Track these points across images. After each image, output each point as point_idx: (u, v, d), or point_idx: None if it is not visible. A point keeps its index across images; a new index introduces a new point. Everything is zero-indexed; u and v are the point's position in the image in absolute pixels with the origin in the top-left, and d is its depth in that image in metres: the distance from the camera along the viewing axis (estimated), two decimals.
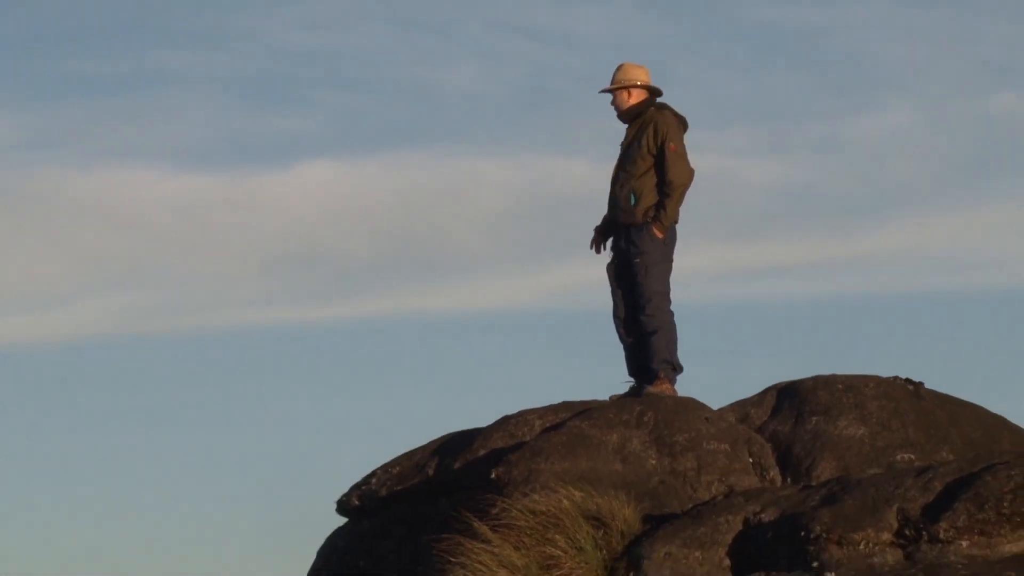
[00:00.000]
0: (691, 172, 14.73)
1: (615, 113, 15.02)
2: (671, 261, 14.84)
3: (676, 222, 14.79)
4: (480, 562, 11.80)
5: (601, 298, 15.17)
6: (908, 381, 14.15)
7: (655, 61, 15.22)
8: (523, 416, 14.19)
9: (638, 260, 14.69)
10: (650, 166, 14.70)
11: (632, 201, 14.72)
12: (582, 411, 13.97)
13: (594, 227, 15.15)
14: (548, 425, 13.85)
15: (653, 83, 15.01)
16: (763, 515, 11.87)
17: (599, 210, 15.09)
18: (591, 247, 15.22)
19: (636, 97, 14.89)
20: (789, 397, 14.04)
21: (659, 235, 14.64)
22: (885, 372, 14.23)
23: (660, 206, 14.63)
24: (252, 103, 48.51)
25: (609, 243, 15.04)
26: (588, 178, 14.97)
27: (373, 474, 14.65)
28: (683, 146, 14.74)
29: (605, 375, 15.29)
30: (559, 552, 11.86)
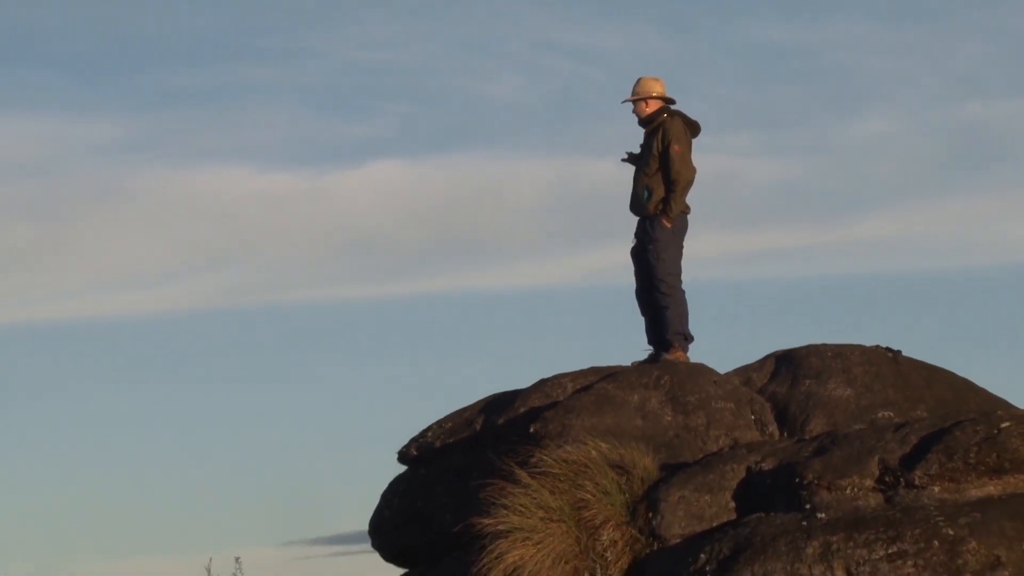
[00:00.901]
0: (692, 171, 14.75)
1: (635, 116, 15.06)
2: (681, 247, 14.86)
3: (687, 213, 14.83)
4: (520, 504, 11.84)
5: (624, 278, 15.21)
6: (888, 349, 14.15)
7: (670, 74, 15.21)
8: (557, 379, 14.22)
9: (651, 247, 14.74)
10: (659, 166, 14.74)
11: (646, 196, 14.78)
12: (608, 375, 14.00)
13: (629, 152, 15.28)
14: (579, 387, 13.89)
15: (668, 92, 15.03)
16: (763, 464, 11.90)
17: (623, 203, 15.15)
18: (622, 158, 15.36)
19: (652, 107, 14.91)
20: (786, 363, 14.05)
21: (667, 225, 14.70)
22: (868, 342, 14.26)
23: (666, 200, 14.69)
24: (327, 111, 48.76)
25: (632, 227, 15.11)
26: (612, 176, 14.92)
27: (429, 428, 14.69)
28: (687, 148, 14.76)
29: (628, 344, 15.30)
30: (588, 496, 11.90)
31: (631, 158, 15.15)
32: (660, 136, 14.69)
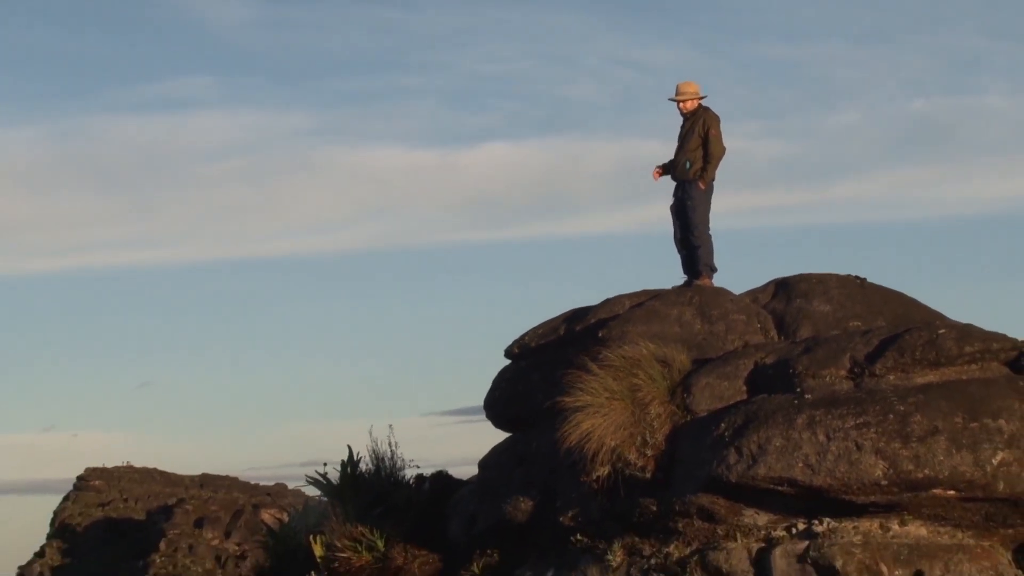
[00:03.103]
0: (724, 149, 14.88)
1: (678, 111, 15.12)
2: (710, 203, 14.93)
3: (714, 180, 14.90)
4: (591, 387, 11.91)
5: (666, 227, 15.23)
6: (857, 277, 14.10)
7: (702, 79, 15.20)
8: (618, 298, 14.26)
9: (689, 202, 14.81)
10: (699, 144, 14.82)
11: (688, 166, 14.84)
12: (655, 295, 14.03)
13: (660, 166, 15.22)
14: (634, 304, 13.93)
15: (701, 91, 15.12)
16: (766, 359, 11.91)
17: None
18: (655, 174, 15.25)
19: (693, 102, 15.00)
20: (783, 287, 14.02)
21: (702, 187, 14.78)
22: (842, 271, 14.20)
23: (704, 169, 14.78)
24: (455, 107, 49.55)
25: (671, 189, 15.11)
26: (660, 151, 15.05)
27: (526, 333, 14.77)
28: (720, 132, 14.87)
29: (669, 274, 15.34)
30: (640, 381, 11.96)
31: (666, 168, 15.17)
32: (702, 124, 14.84)
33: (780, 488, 10.77)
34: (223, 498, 56.69)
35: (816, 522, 10.96)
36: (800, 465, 10.63)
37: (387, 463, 15.76)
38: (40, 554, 55.20)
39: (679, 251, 15.04)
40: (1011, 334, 11.56)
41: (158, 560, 50.96)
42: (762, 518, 11.13)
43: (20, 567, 55.29)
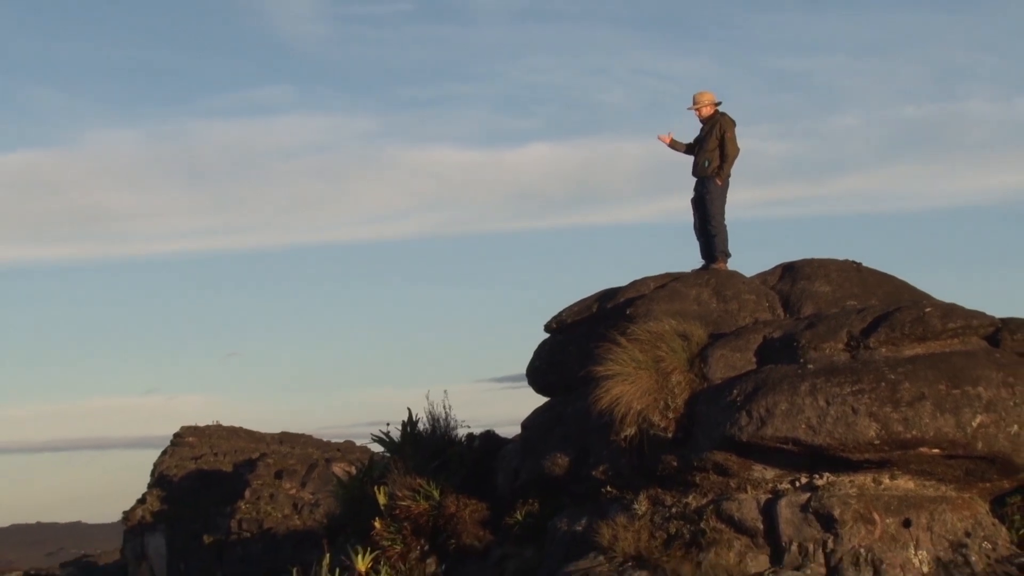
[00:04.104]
0: (739, 149, 14.86)
1: (696, 117, 15.13)
2: (726, 197, 14.93)
3: (729, 176, 14.90)
4: (620, 358, 11.95)
5: (687, 217, 15.24)
6: (854, 262, 14.06)
7: (719, 87, 15.21)
8: (644, 280, 14.26)
9: (707, 196, 14.81)
10: (716, 145, 14.82)
11: (706, 164, 14.84)
12: (676, 277, 14.03)
13: (677, 144, 15.18)
14: (658, 285, 13.93)
15: (717, 98, 15.11)
16: (774, 334, 11.92)
17: (686, 170, 15.18)
18: (666, 138, 15.24)
19: (710, 109, 15.01)
20: (789, 270, 14.00)
21: (719, 183, 14.79)
22: (841, 256, 14.18)
23: (720, 167, 14.78)
24: (502, 112, 49.46)
25: (693, 184, 15.10)
26: (681, 154, 15.05)
27: (563, 310, 14.79)
28: (735, 135, 14.87)
29: (689, 259, 15.34)
30: (663, 353, 11.98)
31: (676, 144, 15.22)
32: (718, 128, 14.85)
33: (785, 446, 10.80)
34: (300, 453, 57.06)
35: (817, 476, 10.99)
36: (803, 426, 10.66)
37: (442, 423, 15.86)
38: (142, 500, 55.79)
39: (698, 239, 15.04)
40: (989, 312, 11.55)
41: (243, 507, 51.41)
42: (769, 473, 11.16)
43: (125, 512, 55.93)
